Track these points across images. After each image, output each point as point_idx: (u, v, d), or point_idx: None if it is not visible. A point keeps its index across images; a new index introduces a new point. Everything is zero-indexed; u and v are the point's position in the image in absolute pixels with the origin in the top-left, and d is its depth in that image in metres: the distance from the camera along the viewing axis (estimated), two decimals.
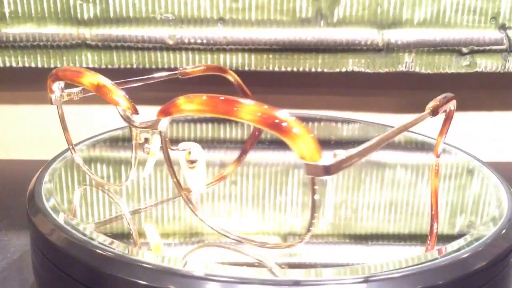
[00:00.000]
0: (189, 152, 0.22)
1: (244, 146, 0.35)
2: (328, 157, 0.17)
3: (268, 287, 0.17)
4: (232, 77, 0.36)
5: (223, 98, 0.18)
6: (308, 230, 0.18)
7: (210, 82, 0.37)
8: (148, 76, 0.32)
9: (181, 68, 0.34)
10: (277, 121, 0.17)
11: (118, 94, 0.23)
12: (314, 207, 0.17)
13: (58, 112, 0.27)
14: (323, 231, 0.23)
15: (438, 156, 0.29)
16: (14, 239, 0.29)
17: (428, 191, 0.27)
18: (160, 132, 0.21)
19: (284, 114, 0.17)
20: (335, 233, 0.23)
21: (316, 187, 0.17)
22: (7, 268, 0.27)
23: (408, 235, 0.23)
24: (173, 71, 0.33)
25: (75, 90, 0.27)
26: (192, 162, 0.22)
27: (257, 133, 0.36)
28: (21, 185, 0.26)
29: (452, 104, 0.28)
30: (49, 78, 0.25)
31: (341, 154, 0.17)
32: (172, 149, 0.21)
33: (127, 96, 0.23)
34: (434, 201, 0.26)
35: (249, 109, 0.17)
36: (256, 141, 0.35)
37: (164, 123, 0.21)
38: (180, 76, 0.33)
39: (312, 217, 0.17)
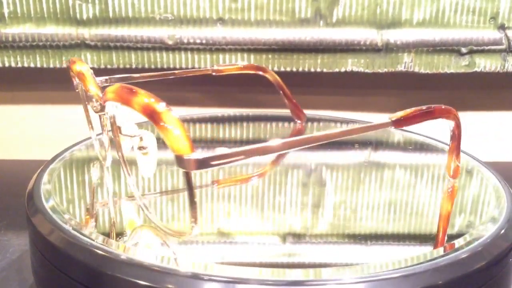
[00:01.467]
0: (141, 138, 0.23)
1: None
2: (199, 153, 0.17)
3: (267, 287, 0.17)
4: (271, 76, 0.35)
5: (125, 88, 0.19)
6: (192, 221, 0.18)
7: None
8: (180, 71, 0.33)
9: (215, 65, 0.33)
10: (155, 113, 0.17)
11: (91, 82, 0.23)
12: (190, 199, 0.18)
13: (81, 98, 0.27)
14: (322, 231, 0.23)
15: (451, 176, 0.26)
16: (13, 239, 0.29)
17: (427, 190, 0.28)
18: (109, 117, 0.21)
19: (161, 107, 0.17)
20: (334, 233, 0.23)
21: (192, 179, 0.17)
22: (6, 268, 0.26)
23: (407, 235, 0.23)
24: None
25: (101, 78, 0.27)
26: (143, 148, 0.23)
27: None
28: (21, 185, 0.26)
29: (453, 119, 0.24)
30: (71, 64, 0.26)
31: (219, 151, 0.17)
32: (122, 134, 0.22)
33: (97, 83, 0.23)
34: (444, 224, 0.24)
35: (137, 100, 0.18)
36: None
37: (110, 108, 0.21)
38: (213, 73, 0.33)
39: (192, 208, 0.18)
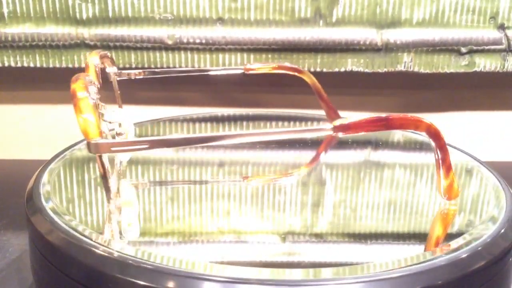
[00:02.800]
0: (120, 125, 0.24)
1: (317, 149, 0.33)
2: (103, 139, 0.19)
3: (267, 287, 0.17)
4: (307, 77, 0.34)
5: (76, 75, 0.21)
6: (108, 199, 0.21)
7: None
8: (211, 68, 0.34)
9: (248, 64, 0.33)
10: (74, 98, 0.19)
11: (91, 71, 0.24)
12: (104, 180, 0.20)
13: (114, 88, 0.31)
14: (322, 230, 0.23)
15: (445, 198, 0.23)
16: (13, 239, 0.29)
17: (427, 190, 0.27)
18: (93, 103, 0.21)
19: (81, 95, 0.19)
20: (334, 232, 0.23)
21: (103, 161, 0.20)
22: (6, 268, 0.26)
23: (407, 234, 0.23)
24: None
25: (133, 71, 0.31)
26: (120, 134, 0.24)
27: (330, 139, 0.34)
28: (21, 185, 0.26)
29: (427, 131, 0.22)
30: (103, 58, 0.29)
31: (120, 139, 0.19)
32: (103, 120, 0.23)
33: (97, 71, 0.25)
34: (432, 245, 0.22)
35: (72, 86, 0.20)
36: (329, 146, 0.34)
37: (91, 93, 0.21)
38: (245, 72, 0.32)
39: (106, 189, 0.20)
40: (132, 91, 0.43)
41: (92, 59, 0.26)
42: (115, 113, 0.24)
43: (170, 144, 0.20)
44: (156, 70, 0.33)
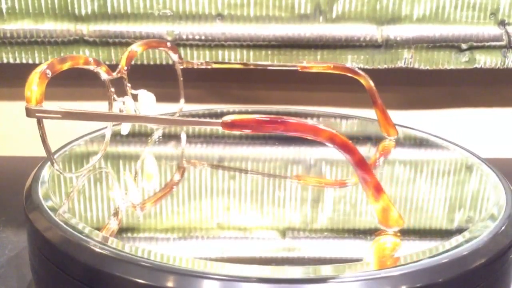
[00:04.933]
0: (123, 103, 0.28)
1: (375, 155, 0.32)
2: (35, 104, 0.22)
3: (267, 285, 0.17)
4: (365, 81, 0.32)
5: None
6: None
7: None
8: (268, 63, 0.36)
9: (303, 62, 0.33)
10: (32, 72, 0.22)
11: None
12: (43, 142, 0.23)
13: (178, 75, 0.34)
14: (321, 227, 0.23)
15: (383, 226, 0.21)
16: (12, 236, 0.29)
17: (427, 187, 0.27)
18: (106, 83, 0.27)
19: (38, 69, 0.22)
20: (333, 229, 0.23)
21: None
22: (5, 265, 0.26)
23: (407, 232, 0.23)
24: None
25: (195, 61, 0.34)
26: (122, 111, 0.27)
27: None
28: (20, 182, 0.26)
29: (341, 146, 0.19)
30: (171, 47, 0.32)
31: (49, 106, 0.22)
32: (114, 100, 0.27)
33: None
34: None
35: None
36: (387, 153, 0.32)
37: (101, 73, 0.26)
38: (299, 69, 0.32)
39: (46, 150, 0.23)
40: (131, 87, 0.43)
41: (134, 46, 0.30)
42: (127, 100, 0.28)
43: (81, 117, 0.22)
44: (215, 61, 0.37)
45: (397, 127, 0.34)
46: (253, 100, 0.43)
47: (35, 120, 0.22)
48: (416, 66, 0.40)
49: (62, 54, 0.39)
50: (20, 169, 0.33)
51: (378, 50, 0.40)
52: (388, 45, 0.39)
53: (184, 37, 0.39)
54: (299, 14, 0.39)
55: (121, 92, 0.28)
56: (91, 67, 0.25)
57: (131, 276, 0.18)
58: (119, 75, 0.28)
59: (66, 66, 0.24)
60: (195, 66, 0.34)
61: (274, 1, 0.39)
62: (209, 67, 0.34)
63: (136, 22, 0.39)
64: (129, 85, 0.29)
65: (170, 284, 0.17)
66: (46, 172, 0.26)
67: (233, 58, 0.40)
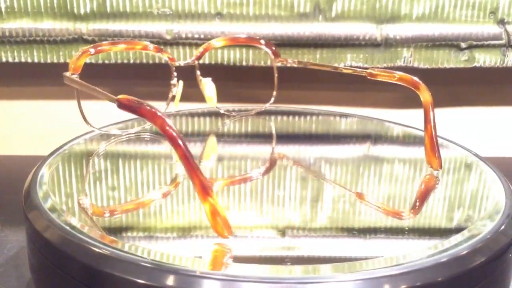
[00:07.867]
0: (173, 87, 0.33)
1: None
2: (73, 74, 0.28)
3: (267, 286, 0.17)
4: (424, 98, 0.29)
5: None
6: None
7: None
8: (335, 65, 0.38)
9: (372, 68, 0.32)
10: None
11: None
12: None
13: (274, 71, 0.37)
14: (321, 226, 0.23)
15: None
16: (11, 235, 0.29)
17: (426, 186, 0.27)
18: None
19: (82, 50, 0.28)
20: (332, 228, 0.23)
21: None
22: (4, 264, 0.26)
23: (406, 230, 0.23)
24: (362, 69, 0.33)
25: (290, 60, 0.36)
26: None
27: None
28: (18, 181, 0.26)
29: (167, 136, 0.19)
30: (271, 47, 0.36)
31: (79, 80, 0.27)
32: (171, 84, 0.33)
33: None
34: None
35: None
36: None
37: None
38: (368, 77, 0.31)
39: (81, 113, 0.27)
40: (132, 86, 0.43)
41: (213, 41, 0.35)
42: (179, 84, 0.33)
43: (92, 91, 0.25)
44: (306, 61, 0.38)
45: (395, 126, 0.33)
46: (252, 99, 0.43)
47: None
48: (416, 65, 0.40)
49: (61, 53, 0.39)
50: (19, 168, 0.33)
51: (377, 49, 0.39)
52: (388, 44, 0.39)
53: (183, 36, 0.39)
54: (298, 13, 0.39)
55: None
56: (153, 53, 0.30)
57: (131, 276, 0.18)
58: (190, 63, 0.34)
59: (118, 48, 0.32)
60: (288, 65, 0.36)
61: (274, 0, 0.39)
62: (301, 66, 0.36)
63: (135, 21, 0.39)
64: (198, 72, 0.34)
65: (170, 284, 0.17)
66: (45, 172, 0.26)
67: (232, 57, 0.40)
